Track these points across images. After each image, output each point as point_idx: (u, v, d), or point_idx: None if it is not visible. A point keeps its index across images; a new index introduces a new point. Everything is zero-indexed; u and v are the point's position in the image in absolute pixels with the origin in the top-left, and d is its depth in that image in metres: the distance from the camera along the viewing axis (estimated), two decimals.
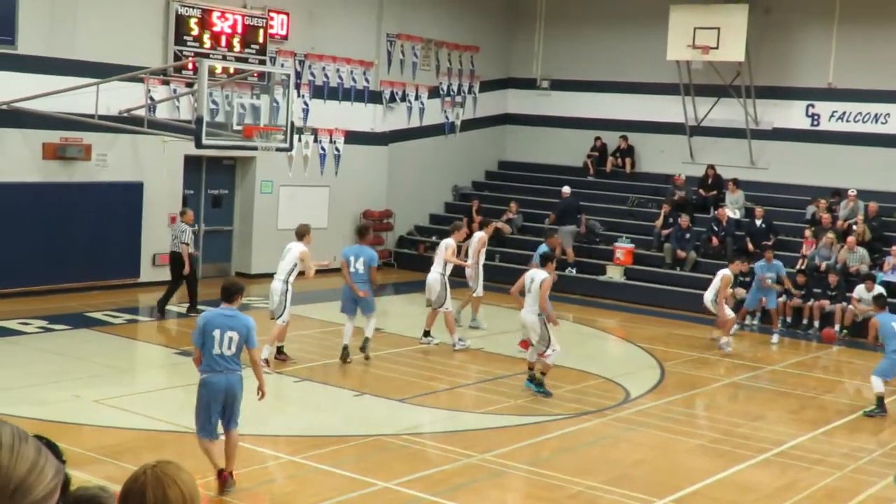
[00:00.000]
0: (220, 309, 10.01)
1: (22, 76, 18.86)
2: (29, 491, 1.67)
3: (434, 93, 27.63)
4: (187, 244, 18.33)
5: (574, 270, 24.50)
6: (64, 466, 1.78)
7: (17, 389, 13.40)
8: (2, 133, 19.02)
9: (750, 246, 23.31)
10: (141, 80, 20.31)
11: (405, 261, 26.46)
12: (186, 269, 18.29)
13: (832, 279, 21.02)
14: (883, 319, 14.65)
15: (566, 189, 25.78)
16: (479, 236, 18.93)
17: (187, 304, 18.83)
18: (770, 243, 23.25)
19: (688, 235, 23.92)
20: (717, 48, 24.93)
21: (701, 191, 25.74)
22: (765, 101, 25.93)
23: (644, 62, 27.09)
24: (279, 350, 15.39)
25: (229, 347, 9.79)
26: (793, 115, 25.97)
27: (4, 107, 18.80)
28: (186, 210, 19.53)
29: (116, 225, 20.63)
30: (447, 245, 17.64)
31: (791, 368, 17.99)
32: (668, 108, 27.07)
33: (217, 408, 9.93)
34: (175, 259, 18.46)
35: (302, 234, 15.40)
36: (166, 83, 21.57)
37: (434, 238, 26.25)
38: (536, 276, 14.45)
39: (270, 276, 22.87)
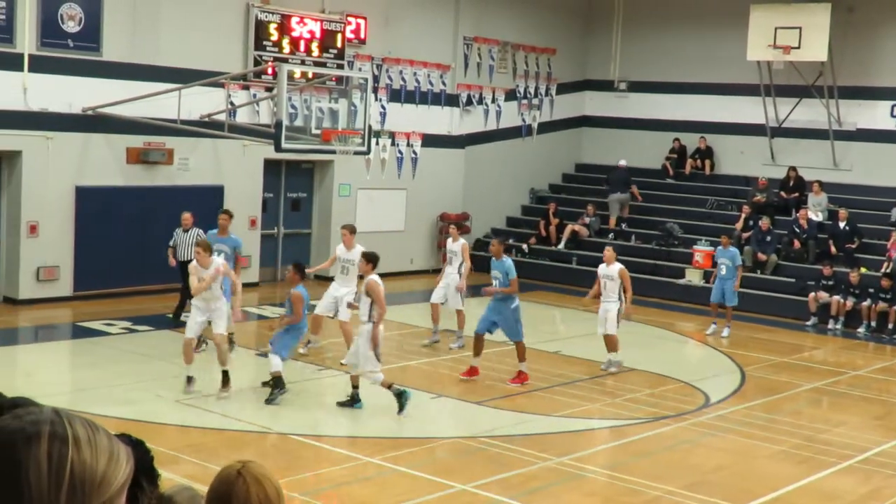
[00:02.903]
0: None
1: (107, 82, 19.25)
2: (111, 480, 1.67)
3: (511, 95, 27.61)
4: (172, 247, 17.43)
5: (624, 225, 26.26)
6: (131, 451, 1.80)
7: (102, 389, 13.70)
8: (87, 138, 19.43)
9: (833, 249, 22.92)
10: (221, 85, 20.59)
11: (482, 263, 26.41)
12: (171, 262, 17.33)
13: None
14: None
15: (623, 162, 26.83)
16: (463, 244, 18.04)
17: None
18: (854, 246, 22.87)
19: (768, 238, 23.59)
20: (798, 48, 24.54)
21: (782, 193, 25.34)
22: (848, 101, 25.44)
23: (724, 62, 26.76)
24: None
25: None
26: (877, 115, 25.45)
27: (90, 112, 19.22)
28: (183, 213, 17.81)
29: (198, 227, 20.89)
30: (464, 246, 17.77)
31: (875, 374, 17.63)
32: (748, 109, 26.71)
33: None
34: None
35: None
36: (246, 88, 21.86)
37: (511, 240, 26.26)
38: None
39: None
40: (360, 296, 13.26)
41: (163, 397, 13.30)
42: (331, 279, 16.93)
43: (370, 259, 13.40)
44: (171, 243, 17.42)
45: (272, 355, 13.66)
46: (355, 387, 13.26)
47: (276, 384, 13.41)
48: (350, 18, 23.22)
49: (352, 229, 16.35)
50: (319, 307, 16.09)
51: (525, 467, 11.41)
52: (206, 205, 21.17)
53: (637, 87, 28.87)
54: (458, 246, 17.75)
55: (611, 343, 16.03)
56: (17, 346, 17.31)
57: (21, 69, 18.44)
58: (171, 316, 17.73)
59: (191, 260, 16.62)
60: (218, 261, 13.87)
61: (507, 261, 15.32)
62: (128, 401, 13.01)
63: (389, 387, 13.02)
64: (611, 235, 25.87)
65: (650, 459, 12.05)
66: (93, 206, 19.36)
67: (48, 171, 18.95)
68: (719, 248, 20.13)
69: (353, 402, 13.22)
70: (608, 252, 16.52)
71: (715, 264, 20.51)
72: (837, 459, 12.24)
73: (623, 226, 26.60)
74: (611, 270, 16.16)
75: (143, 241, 19.96)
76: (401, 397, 12.99)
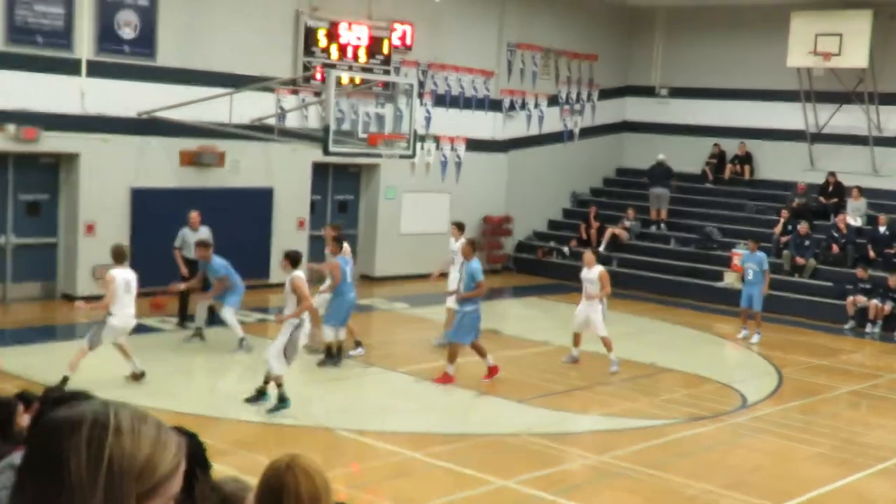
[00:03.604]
0: None
1: (161, 87, 19.46)
2: (155, 468, 1.72)
3: (553, 101, 27.57)
4: (178, 248, 17.31)
5: (664, 227, 26.48)
6: (185, 441, 1.83)
7: (156, 382, 13.84)
8: (142, 141, 19.65)
9: (871, 253, 22.66)
10: (271, 90, 20.74)
11: (524, 265, 26.44)
12: (182, 271, 17.04)
13: None
14: None
15: (661, 156, 26.86)
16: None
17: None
18: (894, 251, 22.60)
19: (807, 242, 23.37)
20: (839, 55, 24.30)
21: (821, 198, 25.11)
22: (889, 107, 25.15)
23: (764, 69, 26.55)
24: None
25: None
26: None
27: (145, 116, 19.44)
28: (191, 212, 17.71)
29: (248, 228, 21.09)
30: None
31: None
32: (787, 115, 26.48)
33: None
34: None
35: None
36: (295, 93, 21.99)
37: (552, 243, 26.21)
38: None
39: (394, 278, 23.34)
40: (286, 293, 12.83)
41: (215, 391, 13.41)
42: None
43: (287, 257, 13.10)
44: (176, 244, 17.36)
45: (325, 326, 13.98)
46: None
47: (328, 353, 14.07)
48: (396, 25, 23.30)
49: (460, 226, 17.28)
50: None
51: (565, 464, 11.41)
52: (257, 206, 21.40)
53: (678, 92, 28.72)
54: (458, 246, 17.04)
55: (607, 344, 15.94)
56: (74, 340, 17.52)
57: (79, 74, 18.68)
58: (178, 319, 17.51)
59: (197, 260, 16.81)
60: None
61: (475, 263, 14.86)
62: (181, 394, 13.16)
63: (279, 385, 12.53)
64: (661, 227, 26.46)
65: (689, 459, 11.99)
66: (147, 206, 19.56)
67: (105, 172, 19.18)
68: (745, 252, 19.93)
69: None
70: (588, 255, 16.56)
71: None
72: (875, 462, 12.12)
73: (662, 227, 26.49)
74: (591, 274, 16.19)
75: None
76: (281, 401, 12.51)
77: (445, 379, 14.38)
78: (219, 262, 16.03)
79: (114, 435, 1.70)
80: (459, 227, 17.47)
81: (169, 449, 1.75)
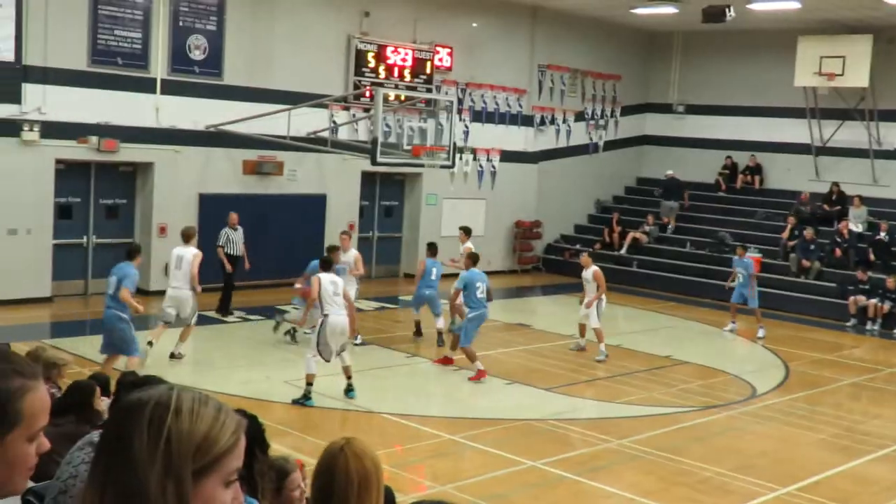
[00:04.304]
0: None
1: (227, 103, 19.56)
2: (213, 445, 1.72)
3: (579, 116, 27.43)
4: (222, 246, 17.26)
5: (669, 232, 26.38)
6: (245, 422, 1.83)
7: (221, 370, 13.93)
8: (209, 152, 19.78)
9: (872, 256, 22.37)
10: (325, 107, 20.80)
11: (552, 266, 26.35)
12: (228, 268, 17.09)
13: None
14: None
15: (671, 171, 26.85)
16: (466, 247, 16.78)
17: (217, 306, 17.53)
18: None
19: (812, 247, 23.08)
20: (842, 75, 24.01)
21: (825, 206, 24.80)
22: (888, 123, 24.79)
23: (772, 88, 26.27)
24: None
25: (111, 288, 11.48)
26: None
27: (212, 129, 19.56)
28: (231, 213, 17.69)
29: (303, 231, 21.17)
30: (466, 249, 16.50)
31: None
32: (794, 130, 26.19)
33: None
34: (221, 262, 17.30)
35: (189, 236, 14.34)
36: (347, 109, 22.05)
37: (578, 246, 26.08)
38: (339, 281, 12.81)
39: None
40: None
41: (271, 378, 13.46)
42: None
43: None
44: (220, 242, 17.35)
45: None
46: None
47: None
48: (438, 48, 23.30)
49: (467, 230, 17.30)
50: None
51: (588, 447, 11.32)
52: (311, 211, 21.47)
53: (693, 109, 28.49)
54: (464, 249, 16.73)
55: (599, 335, 15.94)
56: (147, 331, 17.67)
57: (154, 92, 18.84)
58: (216, 312, 17.43)
59: (240, 255, 17.19)
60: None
61: (466, 273, 14.56)
62: (243, 381, 13.21)
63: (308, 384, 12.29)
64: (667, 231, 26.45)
65: (702, 443, 11.86)
66: (213, 210, 19.64)
67: (176, 180, 19.33)
68: (735, 258, 19.72)
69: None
70: (584, 257, 16.66)
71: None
72: (874, 448, 11.93)
73: (668, 232, 26.33)
74: (587, 274, 16.23)
75: (256, 241, 20.21)
76: (305, 398, 12.26)
77: (479, 375, 14.04)
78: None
79: (173, 415, 1.71)
80: (467, 231, 17.41)
81: (227, 428, 1.75)
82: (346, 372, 12.56)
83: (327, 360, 12.26)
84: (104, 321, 12.36)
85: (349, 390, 12.57)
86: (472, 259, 14.75)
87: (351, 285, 14.85)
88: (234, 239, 17.45)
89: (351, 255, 15.90)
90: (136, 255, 12.55)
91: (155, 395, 1.74)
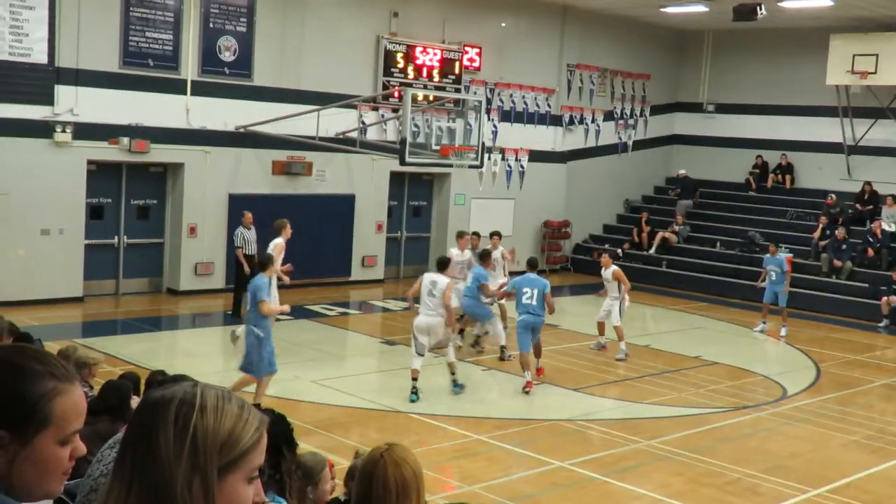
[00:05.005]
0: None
1: (256, 104, 19.68)
2: (237, 442, 1.74)
3: (609, 116, 27.34)
4: (240, 247, 17.32)
5: (688, 229, 26.24)
6: (268, 419, 1.85)
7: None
8: (240, 152, 19.90)
9: None
10: (354, 107, 20.88)
11: (581, 265, 26.28)
12: (246, 270, 16.83)
13: None
14: None
15: (683, 171, 27.37)
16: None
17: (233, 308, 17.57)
18: None
19: (844, 246, 22.87)
20: (875, 73, 23.76)
21: (857, 205, 24.56)
22: None
23: (804, 87, 26.06)
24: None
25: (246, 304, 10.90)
26: None
27: (242, 130, 19.68)
28: (245, 213, 17.73)
29: (332, 231, 21.25)
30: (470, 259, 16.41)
31: None
32: (826, 129, 25.95)
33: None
34: (238, 263, 17.44)
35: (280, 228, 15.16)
36: (375, 109, 22.11)
37: (606, 245, 26.00)
38: (439, 281, 12.95)
39: None
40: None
41: (300, 378, 13.53)
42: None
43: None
44: (237, 244, 17.43)
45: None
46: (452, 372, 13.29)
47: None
48: (467, 48, 23.31)
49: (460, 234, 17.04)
50: None
51: (617, 448, 11.29)
52: (340, 211, 21.55)
53: (724, 108, 28.31)
54: (466, 256, 16.51)
55: (619, 333, 15.93)
56: (177, 330, 17.85)
57: (185, 93, 18.99)
58: (231, 313, 17.52)
59: (254, 255, 16.95)
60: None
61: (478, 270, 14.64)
62: (271, 380, 13.25)
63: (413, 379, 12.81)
64: (686, 228, 26.41)
65: (731, 445, 11.79)
66: (243, 210, 19.77)
67: (206, 180, 19.46)
68: (767, 255, 19.59)
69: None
70: (604, 258, 16.71)
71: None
72: None
73: (679, 230, 26.36)
74: (607, 273, 16.26)
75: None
76: (414, 392, 12.73)
77: (527, 385, 13.62)
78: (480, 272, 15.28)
79: (199, 412, 1.73)
80: (499, 235, 17.31)
81: (251, 425, 1.78)
82: (449, 368, 13.19)
83: (419, 354, 12.84)
84: (245, 338, 11.74)
85: (454, 385, 13.14)
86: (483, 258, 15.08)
87: (496, 279, 15.98)
88: (248, 238, 17.50)
89: (466, 255, 16.22)
90: (269, 265, 12.02)
91: (179, 391, 1.77)
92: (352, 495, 3.38)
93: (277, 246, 14.66)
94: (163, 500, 1.69)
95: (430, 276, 13.05)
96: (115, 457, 1.79)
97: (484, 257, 15.59)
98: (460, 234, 16.99)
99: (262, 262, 12.33)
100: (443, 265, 13.29)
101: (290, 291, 19.81)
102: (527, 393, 13.47)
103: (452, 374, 13.21)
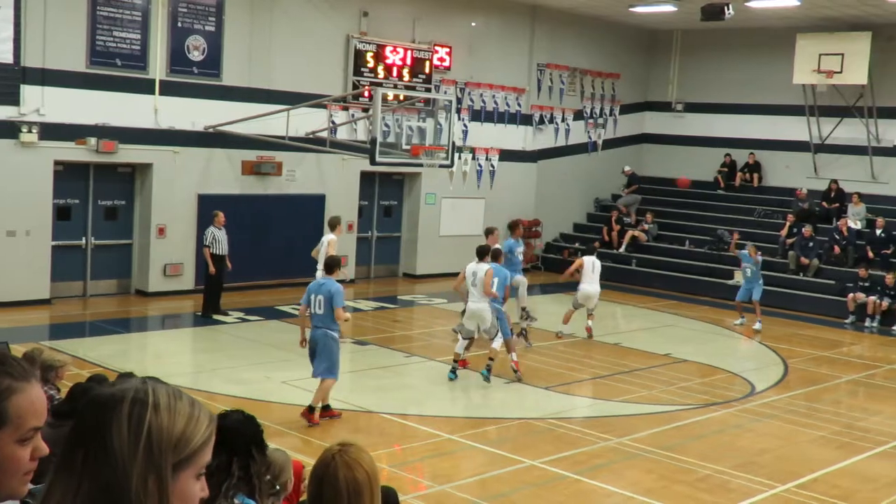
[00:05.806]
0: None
1: (225, 104, 19.56)
2: (190, 439, 1.74)
3: (578, 115, 27.43)
4: (208, 246, 17.29)
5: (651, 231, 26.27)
6: (216, 417, 1.85)
7: (221, 370, 13.93)
8: (209, 152, 19.78)
9: (870, 254, 22.36)
10: (324, 107, 20.81)
11: (551, 264, 26.34)
12: (211, 269, 17.12)
13: None
14: None
15: (628, 167, 28.02)
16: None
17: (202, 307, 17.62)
18: (890, 251, 22.33)
19: (811, 244, 23.08)
20: (841, 72, 24.01)
21: (824, 203, 24.80)
22: (886, 120, 24.80)
23: (771, 86, 26.29)
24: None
25: (319, 308, 11.13)
26: None
27: (211, 130, 19.56)
28: (217, 212, 17.69)
29: (302, 231, 21.15)
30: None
31: None
32: (793, 128, 26.20)
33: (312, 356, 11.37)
34: (205, 262, 17.42)
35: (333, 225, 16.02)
36: (346, 109, 22.05)
37: (577, 244, 26.08)
38: (479, 270, 13.71)
39: (434, 276, 23.31)
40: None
41: (271, 379, 13.47)
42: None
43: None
44: (206, 242, 17.41)
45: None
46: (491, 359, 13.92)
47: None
48: (437, 47, 23.30)
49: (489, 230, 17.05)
50: None
51: (588, 446, 11.32)
52: (310, 211, 21.46)
53: (692, 107, 28.50)
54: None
55: (566, 317, 17.39)
56: (146, 332, 17.70)
57: (153, 93, 18.84)
58: (201, 314, 17.55)
59: (224, 255, 17.15)
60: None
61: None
62: (241, 381, 13.20)
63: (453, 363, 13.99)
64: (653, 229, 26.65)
65: (701, 441, 11.87)
66: (212, 211, 19.65)
67: (175, 180, 19.33)
68: (744, 252, 19.75)
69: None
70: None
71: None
72: (874, 445, 11.93)
73: (629, 225, 26.78)
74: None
75: (255, 241, 20.26)
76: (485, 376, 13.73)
77: (515, 364, 14.17)
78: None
79: (152, 410, 1.73)
80: (530, 232, 17.61)
81: (202, 423, 1.78)
82: (489, 353, 13.82)
83: (465, 338, 13.86)
84: (316, 341, 11.48)
85: (486, 370, 13.73)
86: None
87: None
88: (219, 238, 17.45)
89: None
90: (336, 268, 11.68)
91: (130, 389, 1.75)
92: (306, 497, 3.31)
93: (332, 242, 15.18)
94: (116, 499, 1.68)
95: (471, 267, 13.84)
96: (59, 454, 1.76)
97: (513, 228, 16.94)
98: (489, 231, 16.63)
99: (328, 265, 11.77)
100: (482, 254, 13.91)
101: (261, 292, 19.77)
102: (516, 373, 14.08)
103: (490, 359, 13.77)
